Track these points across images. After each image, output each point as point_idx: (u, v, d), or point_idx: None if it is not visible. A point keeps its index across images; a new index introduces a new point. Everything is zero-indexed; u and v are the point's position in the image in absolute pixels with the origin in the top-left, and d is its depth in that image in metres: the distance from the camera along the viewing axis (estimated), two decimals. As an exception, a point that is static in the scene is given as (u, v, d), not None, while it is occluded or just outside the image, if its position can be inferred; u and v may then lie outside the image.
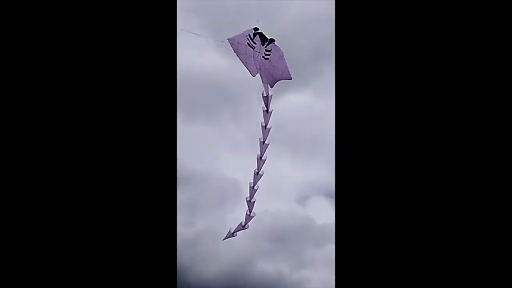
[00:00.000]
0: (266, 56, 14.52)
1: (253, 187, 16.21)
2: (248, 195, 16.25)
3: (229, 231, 17.00)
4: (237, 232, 16.93)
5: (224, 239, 17.09)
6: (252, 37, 14.55)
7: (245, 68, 15.30)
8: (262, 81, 15.34)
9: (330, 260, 12.60)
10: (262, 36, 14.39)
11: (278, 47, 14.32)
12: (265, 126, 15.89)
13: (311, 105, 28.78)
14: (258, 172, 16.08)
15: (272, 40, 14.30)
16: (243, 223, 16.73)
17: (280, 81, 14.71)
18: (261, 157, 16.00)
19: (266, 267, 26.58)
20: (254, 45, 14.59)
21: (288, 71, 14.40)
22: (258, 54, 14.68)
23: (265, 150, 15.97)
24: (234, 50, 15.06)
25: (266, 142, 15.92)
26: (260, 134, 15.81)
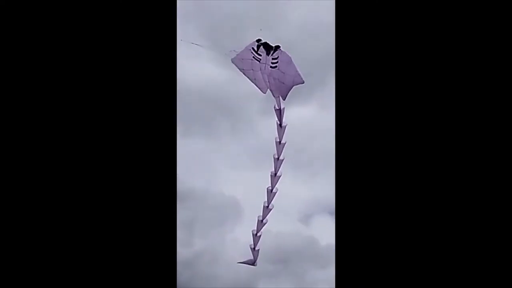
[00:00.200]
0: (274, 65, 14.10)
1: (267, 206, 15.52)
2: (261, 214, 15.54)
3: (252, 259, 16.39)
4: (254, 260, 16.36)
5: (241, 263, 16.50)
6: (256, 49, 14.10)
7: (254, 85, 14.81)
8: (274, 96, 14.89)
9: (334, 282, 11.88)
10: (266, 46, 13.99)
11: (285, 53, 14.00)
12: (280, 142, 15.39)
13: (315, 119, 28.05)
14: (272, 190, 15.43)
15: (277, 47, 13.92)
16: (253, 260, 16.23)
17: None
18: (275, 174, 15.43)
19: (268, 290, 25.31)
20: (259, 57, 14.14)
21: (299, 74, 14.03)
22: (265, 65, 14.24)
23: (279, 166, 15.39)
24: (239, 68, 14.53)
25: (280, 157, 15.36)
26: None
